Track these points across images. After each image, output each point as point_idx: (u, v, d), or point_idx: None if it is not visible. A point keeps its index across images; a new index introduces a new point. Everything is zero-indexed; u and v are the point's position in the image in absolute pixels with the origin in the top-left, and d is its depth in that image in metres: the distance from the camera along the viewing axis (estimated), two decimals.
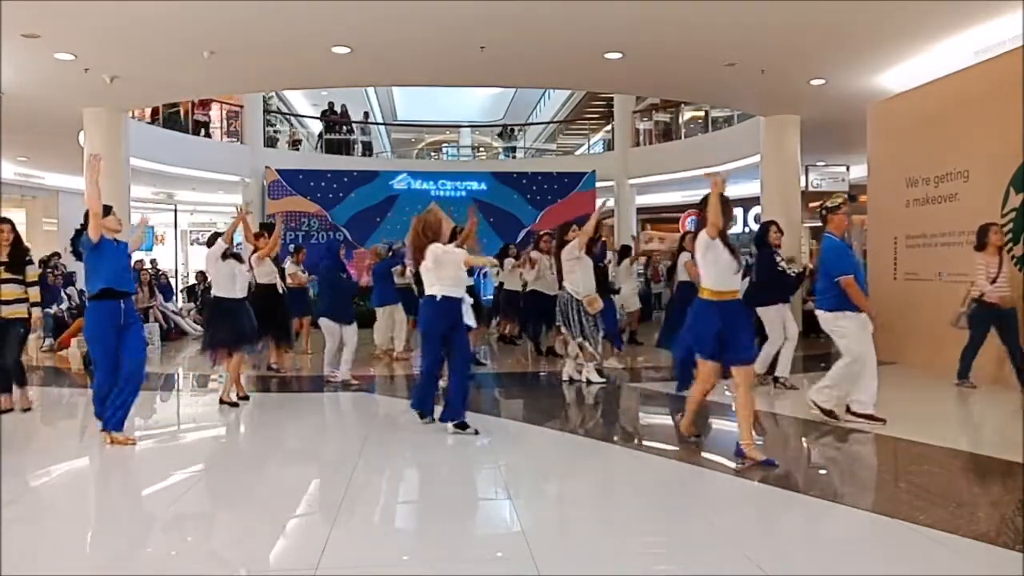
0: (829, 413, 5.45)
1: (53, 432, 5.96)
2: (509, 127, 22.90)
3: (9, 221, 6.10)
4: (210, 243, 6.59)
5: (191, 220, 21.14)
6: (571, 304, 7.12)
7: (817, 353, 10.10)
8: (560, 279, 7.32)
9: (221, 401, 6.27)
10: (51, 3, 6.74)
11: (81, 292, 11.20)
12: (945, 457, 4.63)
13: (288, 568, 3.07)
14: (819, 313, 5.47)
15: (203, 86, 10.75)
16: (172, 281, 16.65)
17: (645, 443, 5.21)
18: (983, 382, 7.05)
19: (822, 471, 4.76)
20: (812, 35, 7.92)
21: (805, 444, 5.42)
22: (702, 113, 16.71)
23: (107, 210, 4.97)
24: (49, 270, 10.97)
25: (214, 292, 6.36)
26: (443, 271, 5.15)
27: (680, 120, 17.38)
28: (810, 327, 11.51)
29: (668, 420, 5.75)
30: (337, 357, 7.36)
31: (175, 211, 18.35)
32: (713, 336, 4.40)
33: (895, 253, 8.89)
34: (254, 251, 7.41)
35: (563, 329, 7.26)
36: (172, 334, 11.72)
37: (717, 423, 5.67)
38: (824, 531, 3.43)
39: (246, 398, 6.50)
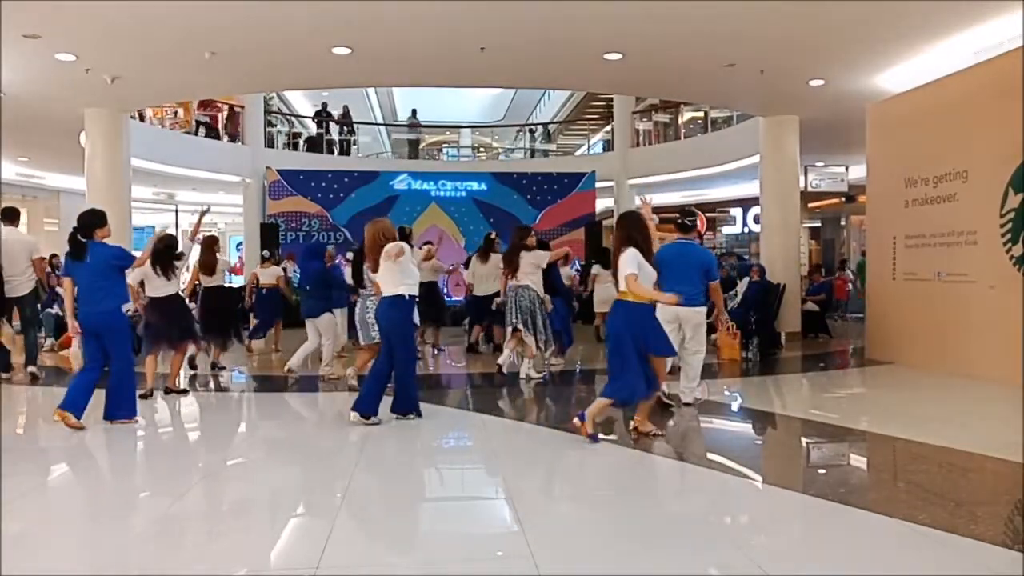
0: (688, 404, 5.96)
1: (52, 431, 5.95)
2: (545, 127, 22.91)
3: None
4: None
5: (192, 220, 21.14)
6: (536, 302, 7.36)
7: (816, 353, 10.13)
8: (510, 278, 7.54)
9: (168, 390, 6.77)
10: (52, 3, 6.75)
11: None
12: (944, 456, 4.63)
13: (288, 568, 3.08)
14: (696, 311, 5.89)
15: (204, 86, 10.77)
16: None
17: (645, 442, 5.21)
18: (983, 380, 7.06)
19: (820, 470, 4.77)
20: (811, 36, 7.93)
21: (804, 444, 5.43)
22: (702, 114, 16.72)
23: None
24: (50, 270, 10.97)
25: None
26: (408, 271, 5.50)
27: (680, 120, 17.38)
28: (809, 327, 11.57)
29: (661, 419, 5.75)
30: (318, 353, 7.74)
31: (176, 211, 18.36)
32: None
33: (894, 253, 8.90)
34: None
35: (523, 326, 7.36)
36: None
37: (715, 422, 5.68)
38: (824, 531, 3.43)
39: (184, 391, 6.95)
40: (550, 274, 7.87)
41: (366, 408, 5.42)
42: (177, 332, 6.77)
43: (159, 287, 6.62)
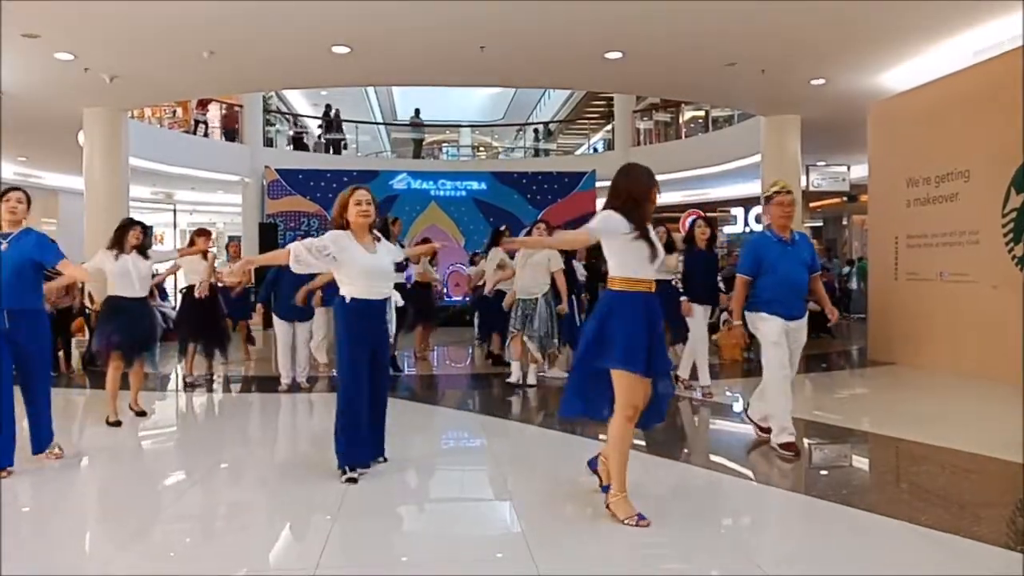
0: (764, 430, 5.01)
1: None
2: (545, 126, 22.88)
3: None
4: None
5: (190, 220, 21.13)
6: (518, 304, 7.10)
7: (818, 353, 10.10)
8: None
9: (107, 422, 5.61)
10: (51, 3, 6.74)
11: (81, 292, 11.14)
12: (946, 457, 4.62)
13: (288, 568, 3.06)
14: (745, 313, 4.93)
15: (203, 86, 10.75)
16: (170, 280, 16.60)
17: (645, 444, 5.20)
18: (986, 380, 7.04)
19: (822, 471, 4.75)
20: (812, 35, 7.92)
21: (805, 444, 5.41)
22: (702, 113, 16.71)
23: None
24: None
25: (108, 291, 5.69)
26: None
27: (681, 120, 17.37)
28: (811, 327, 11.53)
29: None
30: (289, 358, 7.23)
31: (174, 211, 18.35)
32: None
33: (896, 253, 8.89)
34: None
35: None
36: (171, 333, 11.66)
37: (717, 423, 5.66)
38: (824, 531, 3.41)
39: (142, 413, 5.92)
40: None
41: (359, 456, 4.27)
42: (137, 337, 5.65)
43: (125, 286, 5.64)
